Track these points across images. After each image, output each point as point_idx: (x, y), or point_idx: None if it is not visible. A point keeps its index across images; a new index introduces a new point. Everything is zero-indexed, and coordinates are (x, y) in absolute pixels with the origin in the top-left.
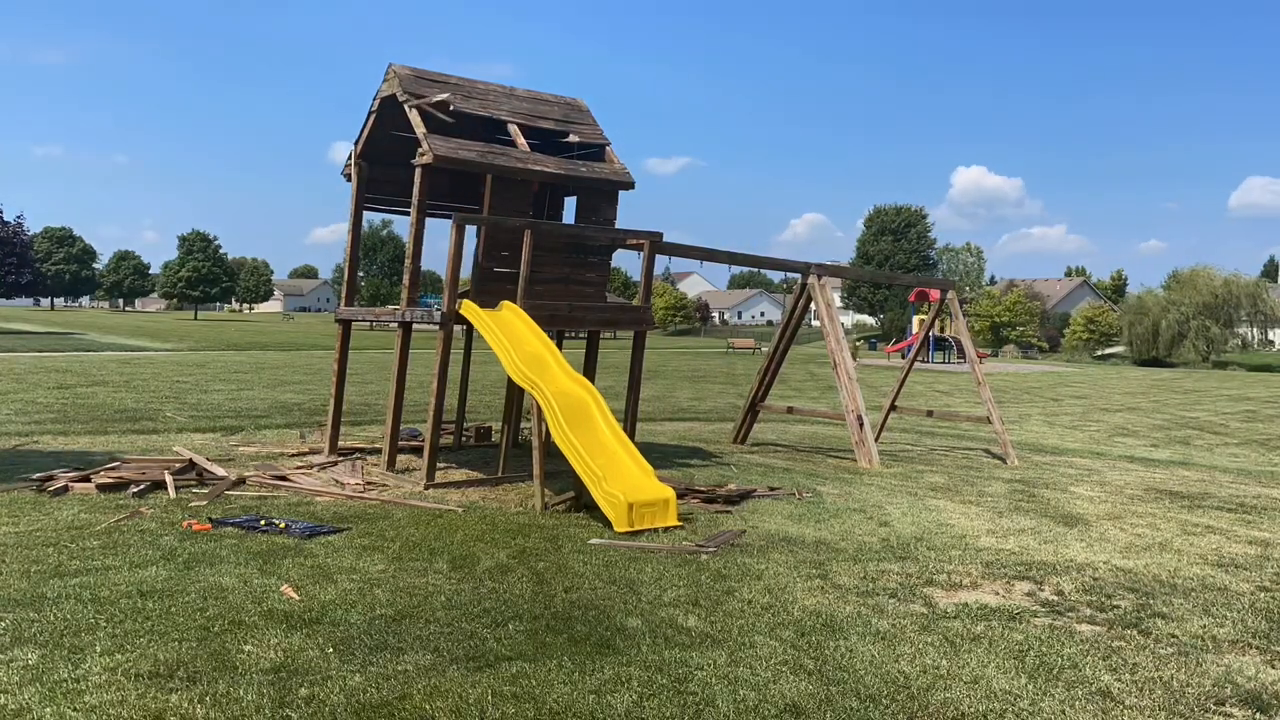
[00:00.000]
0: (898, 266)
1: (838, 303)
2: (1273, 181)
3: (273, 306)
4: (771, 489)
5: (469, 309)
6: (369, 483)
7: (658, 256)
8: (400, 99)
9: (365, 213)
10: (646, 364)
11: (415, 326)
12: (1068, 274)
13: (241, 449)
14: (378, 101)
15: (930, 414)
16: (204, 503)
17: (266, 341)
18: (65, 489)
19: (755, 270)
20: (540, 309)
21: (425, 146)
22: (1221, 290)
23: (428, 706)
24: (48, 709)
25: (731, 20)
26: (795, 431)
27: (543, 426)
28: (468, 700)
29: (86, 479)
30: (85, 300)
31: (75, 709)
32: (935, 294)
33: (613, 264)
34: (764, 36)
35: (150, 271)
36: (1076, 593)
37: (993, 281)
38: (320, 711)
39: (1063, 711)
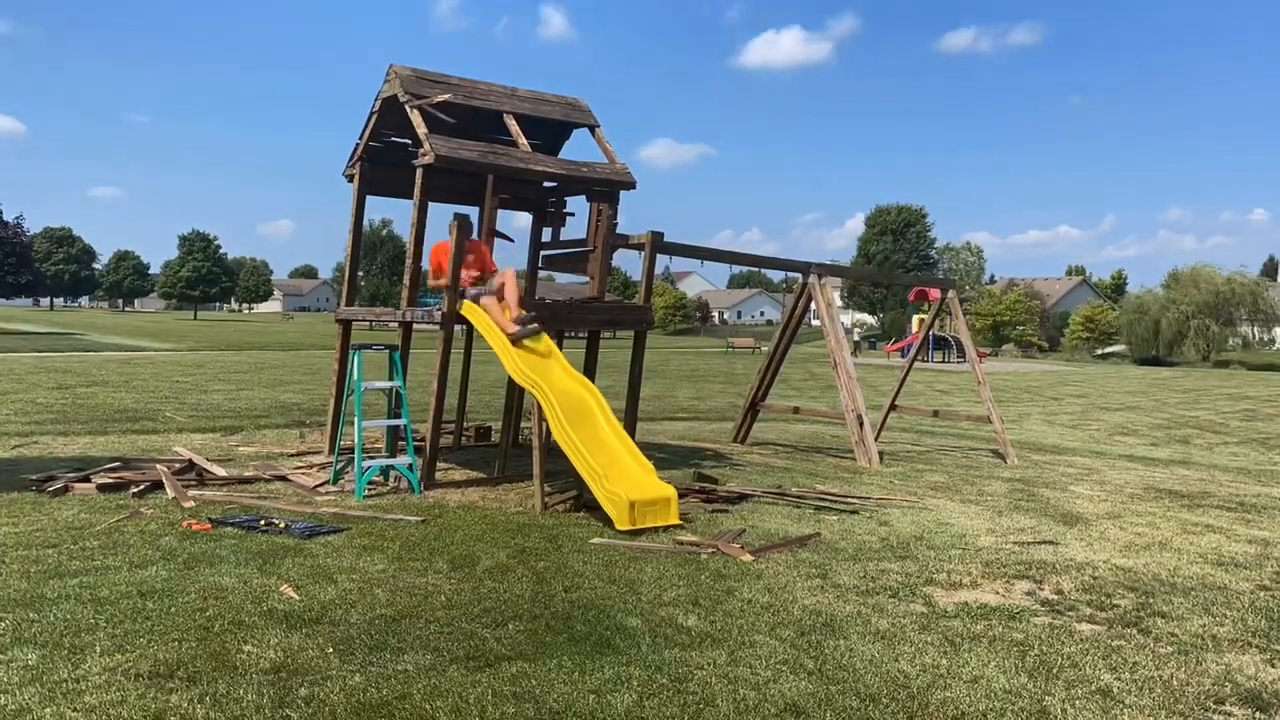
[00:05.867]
0: (898, 266)
1: (838, 302)
2: None
3: (272, 306)
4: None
5: (469, 309)
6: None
7: (658, 256)
8: (401, 99)
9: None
10: (646, 363)
11: (415, 326)
12: (1068, 273)
13: (241, 449)
14: (379, 102)
15: (935, 414)
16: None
17: (266, 341)
18: (65, 489)
19: (755, 270)
20: (540, 308)
21: (426, 147)
22: (1222, 289)
23: (428, 706)
24: (47, 709)
25: None
26: (795, 431)
27: (543, 426)
28: (468, 700)
29: (86, 479)
30: (85, 300)
31: (75, 709)
32: (935, 293)
33: (613, 264)
34: None
35: (150, 272)
36: (1076, 592)
37: (993, 280)
38: (320, 711)
39: (1063, 711)
